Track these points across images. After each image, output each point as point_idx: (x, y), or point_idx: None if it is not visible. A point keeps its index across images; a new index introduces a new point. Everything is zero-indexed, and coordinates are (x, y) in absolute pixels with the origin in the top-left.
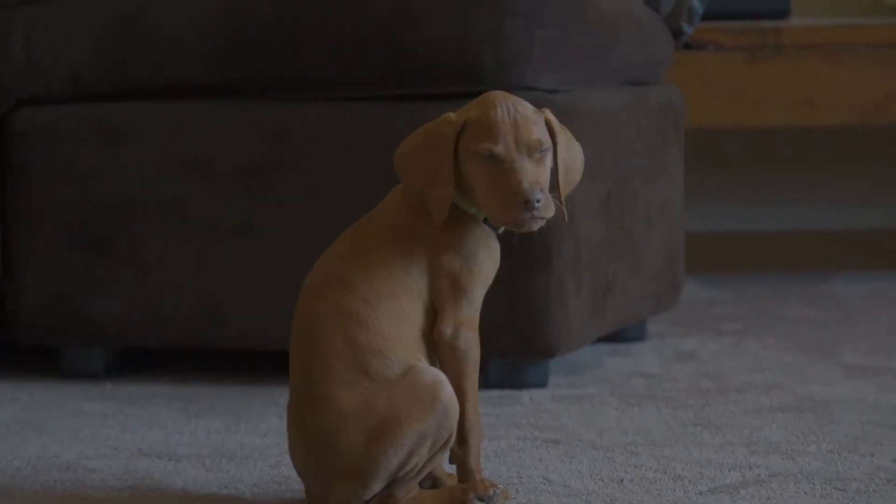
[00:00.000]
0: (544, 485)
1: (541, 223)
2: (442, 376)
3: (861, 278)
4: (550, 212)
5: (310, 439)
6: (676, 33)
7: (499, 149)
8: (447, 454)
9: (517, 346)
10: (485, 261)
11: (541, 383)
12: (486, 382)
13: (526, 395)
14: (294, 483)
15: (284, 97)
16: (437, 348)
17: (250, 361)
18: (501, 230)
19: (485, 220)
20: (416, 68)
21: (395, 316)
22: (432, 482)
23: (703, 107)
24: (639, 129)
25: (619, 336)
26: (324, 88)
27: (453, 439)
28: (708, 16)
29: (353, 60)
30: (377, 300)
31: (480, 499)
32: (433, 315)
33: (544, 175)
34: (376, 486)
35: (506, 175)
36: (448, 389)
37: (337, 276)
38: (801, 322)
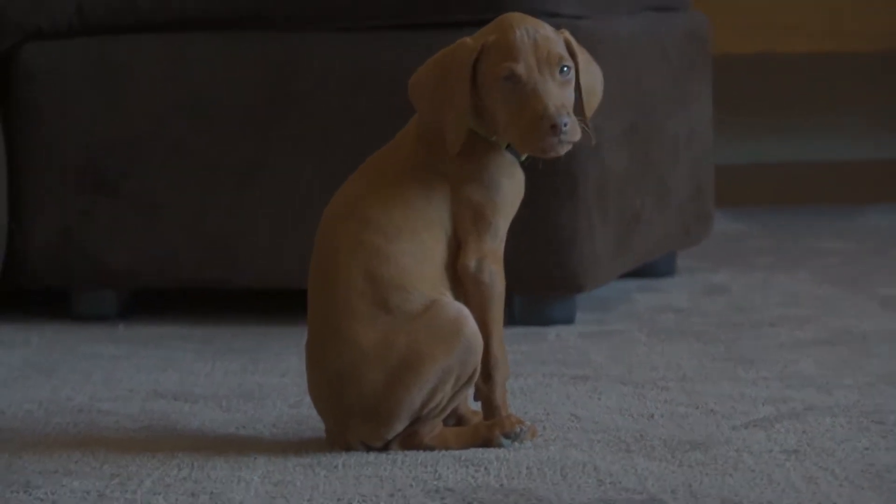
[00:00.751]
0: (572, 421)
1: (568, 147)
2: (465, 310)
3: None
4: (577, 135)
5: (329, 377)
6: None
7: (520, 68)
8: (472, 391)
9: (542, 281)
10: (508, 191)
11: (568, 319)
12: (510, 319)
13: (552, 331)
14: (314, 422)
15: (290, 30)
16: (461, 282)
17: (266, 301)
18: (525, 157)
19: (507, 148)
20: None
21: (416, 250)
22: (457, 419)
23: (729, 32)
24: (664, 56)
25: (647, 271)
26: (331, 18)
27: (477, 375)
28: None
29: None
30: (397, 234)
31: (506, 436)
32: (457, 248)
33: (569, 97)
34: (398, 426)
35: (529, 99)
36: (471, 324)
37: (355, 211)
38: (835, 255)
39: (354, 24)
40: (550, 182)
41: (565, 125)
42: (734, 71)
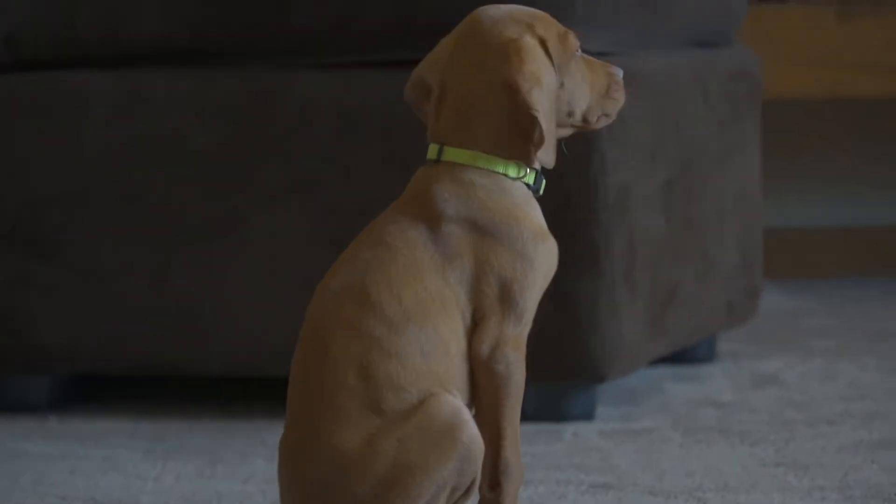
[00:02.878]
0: None
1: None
2: (462, 410)
3: None
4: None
5: (305, 489)
6: None
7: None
8: (471, 502)
9: (557, 369)
10: (541, 262)
11: (587, 414)
12: (521, 414)
13: (569, 428)
14: None
15: (267, 64)
16: (473, 370)
17: (229, 391)
18: (542, 189)
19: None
20: (429, 25)
21: (425, 342)
22: None
23: (783, 72)
24: (706, 100)
25: (683, 356)
26: (313, 52)
27: (477, 485)
28: None
29: (352, 16)
30: (405, 322)
31: None
32: (473, 330)
33: None
34: None
35: (593, 62)
36: (469, 427)
37: (355, 289)
38: None
39: (341, 60)
40: (569, 250)
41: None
42: (788, 118)
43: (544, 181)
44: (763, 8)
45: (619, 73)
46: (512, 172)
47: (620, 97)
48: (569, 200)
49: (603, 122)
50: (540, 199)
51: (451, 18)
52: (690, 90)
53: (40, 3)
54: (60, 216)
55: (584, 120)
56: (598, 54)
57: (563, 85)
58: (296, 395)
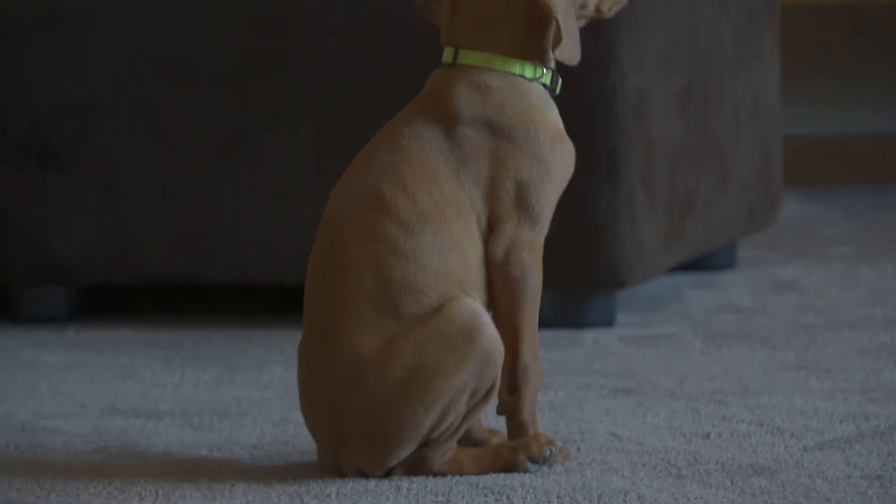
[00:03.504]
0: (612, 441)
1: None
2: (482, 312)
3: None
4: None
5: (323, 391)
6: None
7: None
8: (493, 404)
9: (577, 276)
10: (558, 166)
11: (607, 321)
12: (541, 320)
13: (589, 335)
14: (303, 443)
15: None
16: (488, 273)
17: (246, 298)
18: (558, 88)
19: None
20: None
21: (441, 243)
22: (473, 441)
23: None
24: (723, 6)
25: (703, 263)
26: None
27: (497, 389)
28: None
29: None
30: (420, 224)
31: (533, 460)
32: (488, 233)
33: None
34: (402, 452)
35: None
36: (489, 329)
37: (371, 192)
38: None
39: None
40: (588, 159)
41: None
42: (807, 24)
43: (560, 80)
44: None
45: None
46: (528, 73)
47: None
48: (586, 107)
49: (615, 9)
50: (557, 106)
51: None
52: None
53: None
54: (74, 130)
55: (597, 9)
56: None
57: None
58: (313, 301)
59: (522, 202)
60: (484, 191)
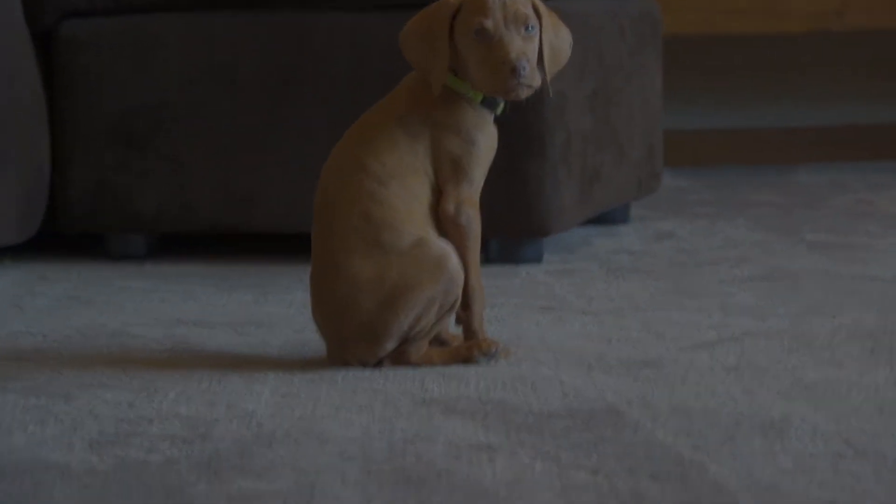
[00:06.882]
0: (540, 344)
1: (528, 91)
2: (449, 247)
3: (821, 169)
4: (536, 81)
5: (329, 304)
6: None
7: (489, 23)
8: (453, 317)
9: (515, 226)
10: (483, 144)
11: (536, 259)
12: (487, 258)
13: (523, 269)
14: (316, 344)
15: (299, 8)
16: (442, 224)
17: (276, 243)
18: (499, 109)
19: (482, 103)
20: None
21: (405, 193)
22: (440, 342)
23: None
24: (621, 34)
25: (605, 218)
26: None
27: (458, 304)
28: None
29: None
30: (389, 178)
31: (483, 354)
32: (438, 193)
33: (531, 49)
34: (389, 345)
35: (495, 47)
36: (454, 259)
37: (352, 158)
38: (768, 206)
39: (360, 5)
40: (523, 140)
41: (524, 69)
42: (682, 49)
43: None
44: None
45: (519, 63)
46: (472, 94)
47: (507, 83)
48: (524, 105)
49: (503, 97)
50: (504, 105)
51: None
52: (610, 26)
53: None
54: (150, 120)
55: (479, 89)
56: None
57: (460, 52)
58: (318, 238)
59: (458, 169)
60: (430, 159)
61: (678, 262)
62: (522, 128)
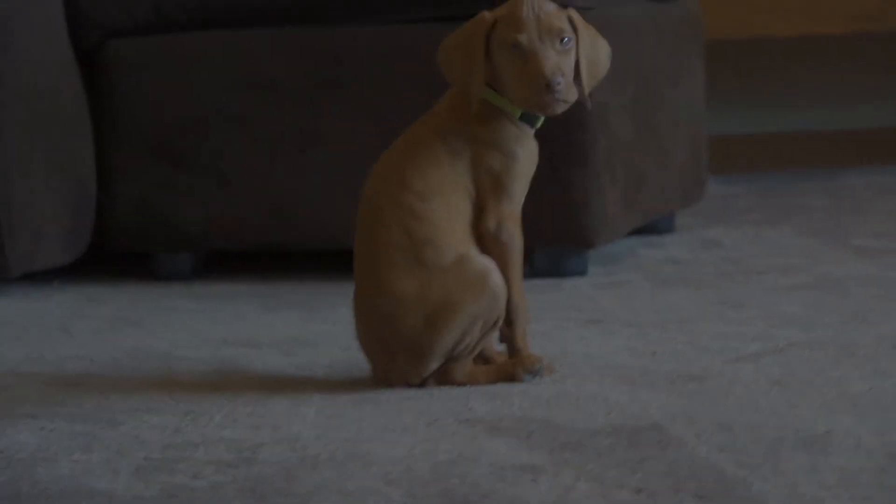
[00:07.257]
0: (585, 359)
1: (564, 106)
2: (491, 263)
3: (867, 172)
4: (573, 96)
5: (373, 323)
6: None
7: (523, 38)
8: (497, 334)
9: (559, 238)
10: (523, 159)
11: (581, 272)
12: (532, 271)
13: (568, 282)
14: (361, 363)
15: (337, 23)
16: (483, 241)
17: (320, 260)
18: (539, 123)
19: (521, 118)
20: None
21: (446, 209)
22: (484, 360)
23: (721, 20)
24: (662, 39)
25: (650, 228)
26: (371, 13)
27: (501, 321)
28: None
29: None
30: (430, 195)
31: (528, 371)
32: (479, 209)
33: (567, 64)
34: (433, 364)
35: (530, 62)
36: (496, 275)
37: (394, 175)
38: (815, 211)
39: (392, 19)
40: (565, 150)
41: (559, 84)
42: (726, 53)
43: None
44: None
45: (554, 78)
46: (511, 109)
47: (542, 98)
48: (566, 115)
49: (539, 112)
50: (546, 119)
51: None
52: (650, 32)
53: None
54: (194, 137)
55: (516, 104)
56: (581, 8)
57: (496, 67)
58: (360, 256)
59: (499, 185)
60: (471, 176)
61: (724, 272)
62: (563, 136)
